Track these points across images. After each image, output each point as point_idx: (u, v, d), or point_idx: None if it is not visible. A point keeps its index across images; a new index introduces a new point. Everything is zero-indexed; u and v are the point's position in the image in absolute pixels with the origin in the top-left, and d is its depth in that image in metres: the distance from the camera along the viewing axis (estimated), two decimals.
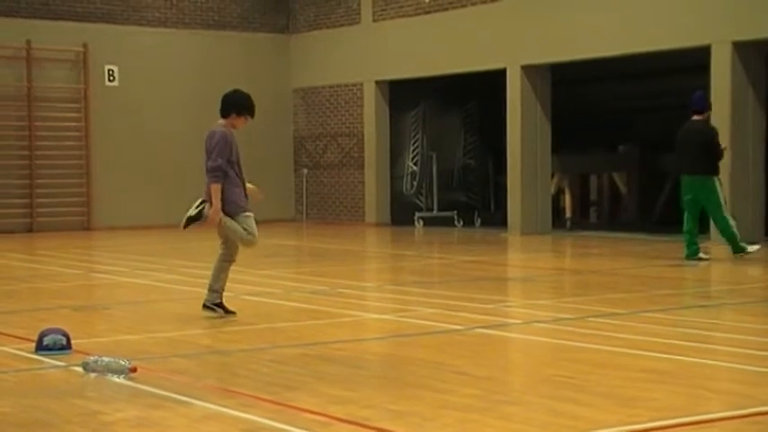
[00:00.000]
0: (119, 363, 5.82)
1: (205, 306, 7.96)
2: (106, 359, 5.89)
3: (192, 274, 11.27)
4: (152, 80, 19.65)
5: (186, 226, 8.02)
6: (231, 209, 7.82)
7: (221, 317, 7.89)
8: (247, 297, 9.40)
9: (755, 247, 12.17)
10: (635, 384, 5.47)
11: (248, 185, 8.07)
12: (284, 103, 20.94)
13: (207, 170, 7.77)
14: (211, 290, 7.94)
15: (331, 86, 20.29)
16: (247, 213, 7.90)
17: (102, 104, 19.13)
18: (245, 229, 7.84)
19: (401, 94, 19.41)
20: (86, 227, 19.04)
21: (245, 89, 8.20)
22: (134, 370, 5.77)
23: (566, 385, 5.46)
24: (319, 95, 20.59)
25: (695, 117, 12.06)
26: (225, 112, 7.94)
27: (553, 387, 5.44)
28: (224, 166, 7.73)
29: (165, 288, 10.23)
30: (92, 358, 5.95)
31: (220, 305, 7.95)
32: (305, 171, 20.77)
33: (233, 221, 7.84)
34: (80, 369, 5.93)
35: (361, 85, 19.70)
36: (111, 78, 19.32)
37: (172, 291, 10.04)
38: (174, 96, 19.83)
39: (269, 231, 18.44)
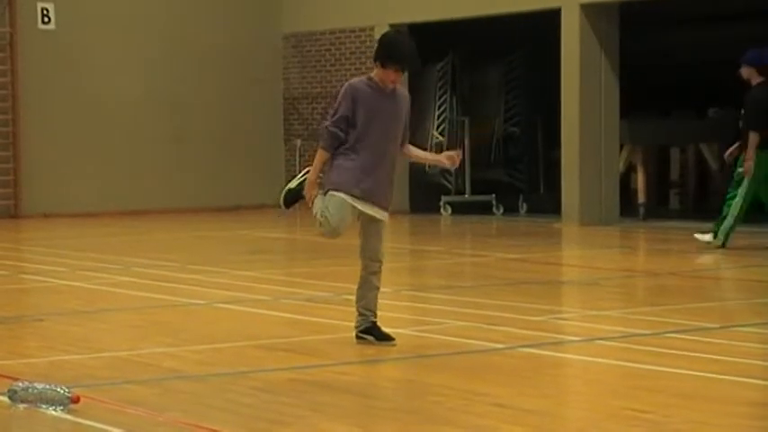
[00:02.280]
0: (56, 391, 5.82)
1: (357, 336, 7.56)
2: (40, 386, 5.89)
3: (151, 276, 11.29)
4: (101, 24, 19.64)
5: (288, 204, 7.60)
6: (330, 186, 7.34)
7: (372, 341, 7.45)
8: (224, 305, 9.41)
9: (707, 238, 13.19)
10: (730, 421, 5.44)
11: (443, 155, 7.55)
12: (272, 54, 20.92)
13: None
14: (357, 312, 7.55)
15: (332, 32, 20.26)
16: (339, 194, 7.27)
17: (34, 54, 19.15)
18: (323, 212, 7.31)
19: (424, 42, 19.25)
20: (14, 214, 19.08)
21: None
22: (76, 400, 5.77)
23: (640, 422, 5.44)
24: (317, 44, 20.56)
25: (761, 78, 12.75)
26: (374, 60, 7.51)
27: (623, 424, 5.42)
28: (338, 130, 7.30)
29: (117, 294, 10.24)
30: (21, 385, 5.96)
31: (370, 330, 7.49)
32: (298, 142, 20.77)
33: (321, 199, 7.37)
34: (6, 399, 5.94)
35: (372, 29, 19.66)
36: (47, 20, 19.34)
37: (125, 297, 10.04)
38: (131, 46, 19.82)
39: (252, 220, 18.46)
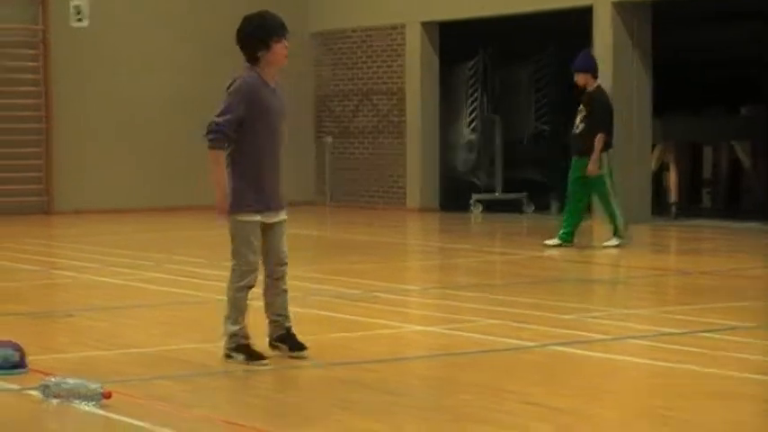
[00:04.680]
0: (87, 386, 5.86)
1: (270, 344, 7.10)
2: (71, 381, 5.93)
3: (181, 272, 11.33)
4: (132, 21, 19.72)
5: None
6: (233, 203, 6.88)
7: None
8: (252, 302, 9.42)
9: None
10: (760, 420, 5.42)
11: None
12: (302, 52, 20.91)
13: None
14: (268, 320, 7.11)
15: (363, 29, 20.27)
16: (254, 217, 6.88)
17: (66, 52, 19.24)
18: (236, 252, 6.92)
19: (455, 40, 19.36)
20: (46, 210, 19.19)
21: None
22: (107, 395, 5.81)
23: (670, 421, 5.45)
24: (348, 41, 20.57)
25: (597, 82, 13.17)
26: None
27: (653, 423, 5.43)
28: (227, 128, 6.95)
29: (147, 290, 10.28)
30: (53, 380, 6.00)
31: (284, 338, 7.03)
32: (329, 140, 20.79)
33: (239, 227, 6.90)
34: (38, 394, 5.98)
35: (403, 27, 19.67)
36: (79, 18, 19.43)
37: (155, 293, 10.09)
38: (162, 43, 19.90)
39: None
